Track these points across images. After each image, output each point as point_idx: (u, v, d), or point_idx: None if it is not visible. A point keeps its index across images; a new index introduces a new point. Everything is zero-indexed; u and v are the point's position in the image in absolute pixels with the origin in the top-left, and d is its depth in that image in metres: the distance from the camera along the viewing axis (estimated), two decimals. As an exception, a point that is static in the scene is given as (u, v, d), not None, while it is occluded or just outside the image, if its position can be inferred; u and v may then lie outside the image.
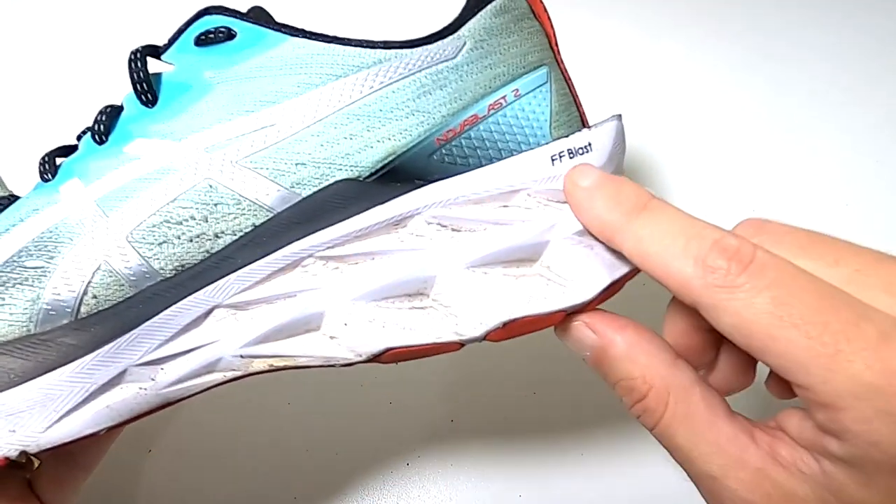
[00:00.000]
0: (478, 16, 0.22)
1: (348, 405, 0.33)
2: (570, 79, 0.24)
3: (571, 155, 0.22)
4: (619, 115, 0.23)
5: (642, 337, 0.20)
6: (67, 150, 0.24)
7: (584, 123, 0.24)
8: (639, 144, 0.26)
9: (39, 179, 0.23)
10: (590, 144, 0.22)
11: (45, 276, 0.19)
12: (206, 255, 0.20)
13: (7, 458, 0.19)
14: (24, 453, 0.19)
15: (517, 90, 0.22)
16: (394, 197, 0.21)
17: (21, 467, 0.26)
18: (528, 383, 0.34)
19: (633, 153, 0.24)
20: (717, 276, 0.17)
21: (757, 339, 0.17)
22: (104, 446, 0.28)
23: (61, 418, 0.19)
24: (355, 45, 0.22)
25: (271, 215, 0.21)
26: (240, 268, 0.20)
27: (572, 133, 0.22)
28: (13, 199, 0.24)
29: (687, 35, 0.41)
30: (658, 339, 0.21)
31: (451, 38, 0.22)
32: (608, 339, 0.20)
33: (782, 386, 0.20)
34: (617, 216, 0.20)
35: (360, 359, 0.21)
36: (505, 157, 0.22)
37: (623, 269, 0.21)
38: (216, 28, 0.22)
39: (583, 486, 0.32)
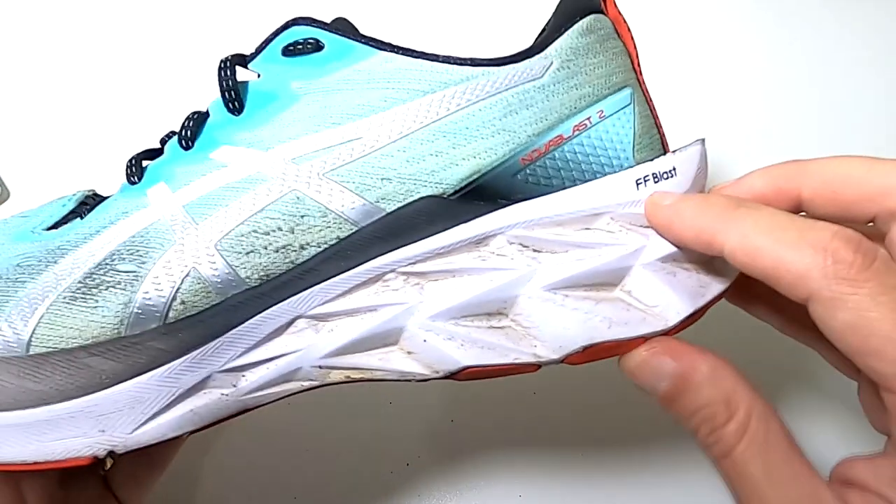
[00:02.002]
0: (564, 35, 0.22)
1: (348, 405, 0.33)
2: (651, 101, 0.24)
3: (656, 179, 0.21)
4: (703, 140, 0.23)
5: (721, 363, 0.20)
6: (153, 154, 0.24)
7: (664, 147, 0.24)
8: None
9: (125, 181, 0.24)
10: (674, 169, 0.22)
11: (138, 280, 0.20)
12: (291, 265, 0.21)
13: (95, 458, 0.19)
14: (112, 453, 0.19)
15: (602, 111, 0.22)
16: (477, 216, 0.21)
17: (97, 464, 0.27)
18: (528, 383, 0.33)
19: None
20: (841, 268, 0.17)
21: (876, 340, 0.16)
22: (177, 445, 0.28)
23: (148, 420, 0.20)
24: (442, 62, 0.22)
25: (355, 229, 0.21)
26: (323, 280, 0.21)
27: (656, 156, 0.22)
28: (98, 198, 0.24)
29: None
30: (735, 367, 0.20)
31: (537, 57, 0.22)
32: (690, 364, 0.20)
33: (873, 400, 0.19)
34: (712, 218, 0.19)
35: (436, 375, 0.21)
36: (588, 179, 0.22)
37: (707, 297, 0.21)
38: (304, 39, 0.23)
39: (583, 486, 0.32)
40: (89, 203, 0.24)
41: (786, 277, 0.17)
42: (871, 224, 0.20)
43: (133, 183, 0.23)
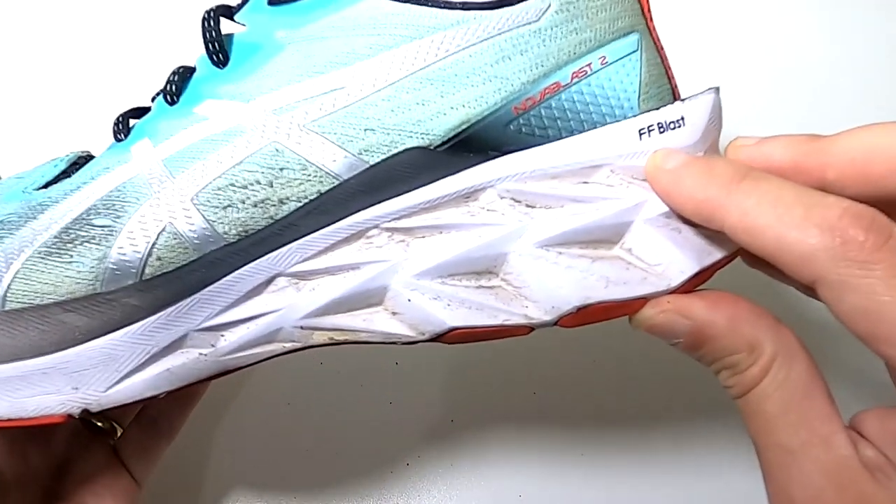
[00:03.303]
0: (565, -24, 0.21)
1: (348, 405, 0.33)
2: (662, 48, 0.22)
3: (662, 129, 0.20)
4: (717, 88, 0.21)
5: (740, 306, 0.18)
6: (141, 112, 0.24)
7: (675, 98, 0.22)
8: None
9: (113, 139, 0.23)
10: (682, 119, 0.20)
11: (112, 235, 0.19)
12: (270, 221, 0.20)
13: (69, 416, 0.19)
14: (86, 411, 0.19)
15: (604, 57, 0.21)
16: (466, 168, 0.20)
17: (105, 434, 0.27)
18: (528, 383, 0.33)
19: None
20: (850, 248, 0.15)
21: (887, 324, 0.15)
22: (184, 415, 0.28)
23: (122, 379, 0.19)
24: (432, 6, 0.20)
25: (337, 182, 0.20)
26: (303, 236, 0.20)
27: (663, 105, 0.20)
28: (90, 158, 0.24)
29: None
30: (755, 305, 0.19)
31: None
32: (705, 320, 0.18)
33: None
34: (714, 190, 0.18)
35: (422, 337, 0.20)
36: (588, 130, 0.20)
37: (714, 257, 0.19)
38: (290, -14, 0.21)
39: (583, 486, 0.32)
40: (80, 163, 0.24)
41: (790, 259, 0.16)
42: None
43: (119, 140, 0.23)
